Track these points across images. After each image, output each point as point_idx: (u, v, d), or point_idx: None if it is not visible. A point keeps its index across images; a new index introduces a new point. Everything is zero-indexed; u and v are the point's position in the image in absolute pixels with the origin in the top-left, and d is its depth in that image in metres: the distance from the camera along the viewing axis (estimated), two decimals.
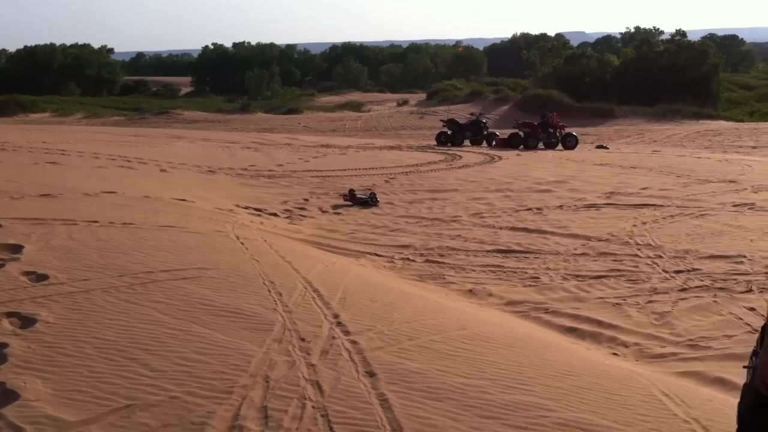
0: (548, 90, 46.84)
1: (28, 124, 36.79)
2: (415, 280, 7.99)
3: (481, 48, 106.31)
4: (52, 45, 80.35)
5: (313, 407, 3.57)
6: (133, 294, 5.21)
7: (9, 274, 5.50)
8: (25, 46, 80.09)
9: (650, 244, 9.34)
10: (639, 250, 9.09)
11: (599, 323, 6.53)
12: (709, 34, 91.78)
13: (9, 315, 4.57)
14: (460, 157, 21.17)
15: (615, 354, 5.79)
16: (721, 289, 7.41)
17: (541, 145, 26.62)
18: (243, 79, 76.71)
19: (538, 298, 7.38)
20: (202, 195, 12.09)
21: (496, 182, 15.47)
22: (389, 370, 4.09)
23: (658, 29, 74.88)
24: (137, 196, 10.41)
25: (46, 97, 56.00)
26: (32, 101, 50.41)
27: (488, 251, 9.32)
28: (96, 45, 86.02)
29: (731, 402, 4.67)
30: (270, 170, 16.96)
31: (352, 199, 12.89)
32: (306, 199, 13.22)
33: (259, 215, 11.32)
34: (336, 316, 5.08)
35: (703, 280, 7.70)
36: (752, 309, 6.80)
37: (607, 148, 26.64)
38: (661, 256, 8.72)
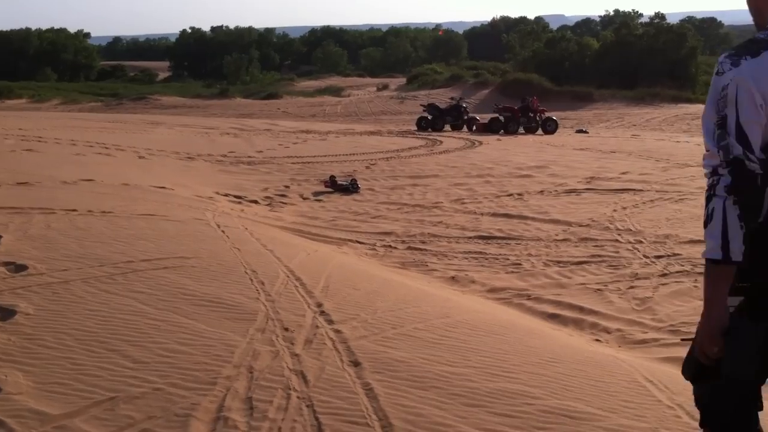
0: (528, 74, 46.87)
1: (3, 110, 36.37)
2: (397, 267, 7.99)
3: (460, 31, 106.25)
4: (27, 30, 79.43)
5: (298, 398, 3.55)
6: (113, 284, 5.16)
7: None
8: (0, 31, 79.08)
9: (630, 230, 9.38)
10: (619, 235, 9.14)
11: (581, 309, 6.56)
12: (688, 16, 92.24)
13: None
14: (441, 142, 21.16)
15: (597, 340, 5.82)
16: (701, 273, 7.44)
17: (521, 129, 26.67)
18: (221, 64, 76.16)
19: (520, 284, 7.40)
20: (182, 182, 12.01)
21: (477, 167, 15.47)
22: (374, 360, 4.08)
23: (638, 12, 75.04)
24: (116, 183, 10.33)
25: (22, 83, 55.42)
26: (8, 87, 49.89)
27: (470, 238, 9.33)
28: (72, 29, 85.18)
29: None
30: (250, 157, 16.88)
31: (333, 185, 12.85)
32: (287, 186, 13.17)
33: (239, 203, 11.27)
34: (319, 305, 5.06)
35: (683, 265, 7.75)
36: None
37: (587, 133, 26.74)
38: (641, 241, 8.76)
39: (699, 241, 8.65)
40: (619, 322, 6.23)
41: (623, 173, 14.04)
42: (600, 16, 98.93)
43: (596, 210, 10.63)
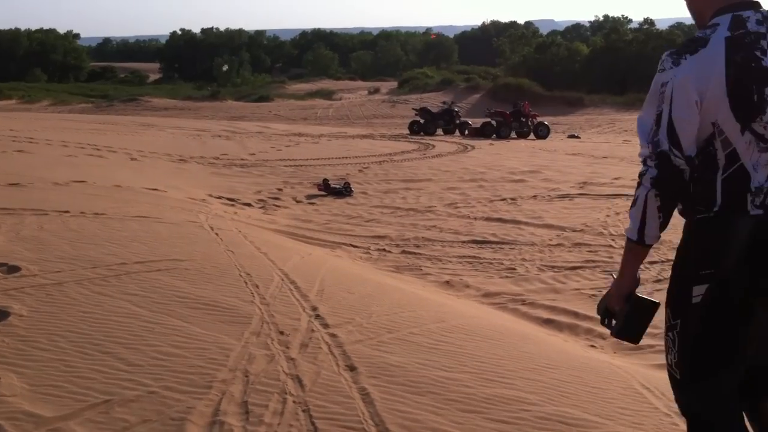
0: (519, 78, 47.00)
1: None
2: (391, 271, 7.97)
3: (451, 35, 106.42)
4: (16, 30, 79.19)
5: (294, 402, 3.53)
6: (107, 286, 5.12)
7: None
8: None
9: (624, 235, 9.39)
10: (613, 240, 9.15)
11: (576, 315, 6.55)
12: (678, 22, 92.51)
13: None
14: (433, 146, 21.19)
15: (593, 346, 5.81)
16: None
17: (513, 134, 26.72)
18: (212, 66, 76.08)
19: (514, 289, 7.39)
20: (174, 184, 11.97)
21: (469, 172, 15.48)
22: (370, 364, 4.06)
23: (627, 18, 75.37)
24: (108, 185, 10.28)
25: (12, 84, 55.24)
26: None
27: (464, 242, 9.33)
28: (62, 30, 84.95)
29: None
30: (242, 159, 16.85)
31: (326, 188, 12.84)
32: (280, 189, 13.14)
33: (232, 205, 11.24)
34: (314, 308, 5.04)
35: None
36: None
37: (579, 138, 26.82)
38: None
39: None
40: None
41: (616, 178, 14.08)
42: (590, 22, 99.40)
43: (589, 215, 10.64)
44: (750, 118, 2.38)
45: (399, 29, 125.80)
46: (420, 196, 12.70)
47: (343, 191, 12.73)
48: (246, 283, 5.51)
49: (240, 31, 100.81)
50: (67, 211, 7.60)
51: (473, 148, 21.04)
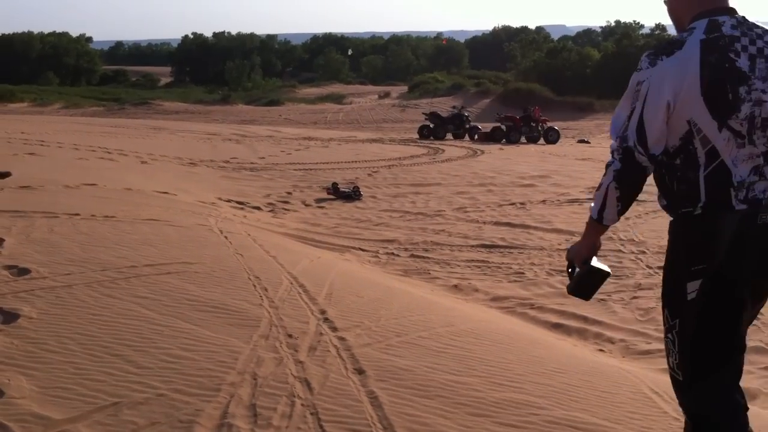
0: (529, 83, 46.97)
1: (6, 114, 36.42)
2: (400, 275, 7.97)
3: (462, 40, 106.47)
4: (29, 33, 79.64)
5: (302, 405, 3.53)
6: (116, 289, 5.14)
7: None
8: (3, 35, 79.26)
9: (633, 240, 9.37)
10: (622, 245, 9.12)
11: (585, 319, 6.54)
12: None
13: None
14: (443, 150, 21.18)
15: (601, 350, 5.80)
16: None
17: (523, 139, 26.70)
18: (223, 70, 76.31)
19: (523, 293, 7.38)
20: (184, 188, 12.00)
21: (479, 176, 15.47)
22: (378, 368, 4.05)
23: (639, 23, 75.18)
24: (118, 188, 10.32)
25: (24, 87, 55.56)
26: (10, 91, 49.98)
27: (473, 246, 9.32)
28: (74, 33, 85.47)
29: None
30: (252, 163, 16.89)
31: (336, 192, 12.84)
32: (289, 193, 13.16)
33: (242, 208, 11.26)
34: (323, 312, 5.04)
35: None
36: None
37: (589, 143, 26.78)
38: (644, 252, 8.75)
39: None
40: (622, 333, 6.21)
41: None
42: (601, 27, 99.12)
43: None
44: (726, 115, 2.49)
45: (410, 34, 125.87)
46: (429, 200, 12.69)
47: (352, 195, 12.74)
48: (255, 286, 5.51)
49: (251, 35, 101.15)
50: (77, 214, 7.62)
51: (483, 152, 21.02)
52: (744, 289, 2.57)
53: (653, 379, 4.52)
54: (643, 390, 4.22)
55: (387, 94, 55.59)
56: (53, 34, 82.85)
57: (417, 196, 13.10)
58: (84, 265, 5.65)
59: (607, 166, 2.62)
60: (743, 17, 2.61)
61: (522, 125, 26.85)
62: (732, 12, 2.60)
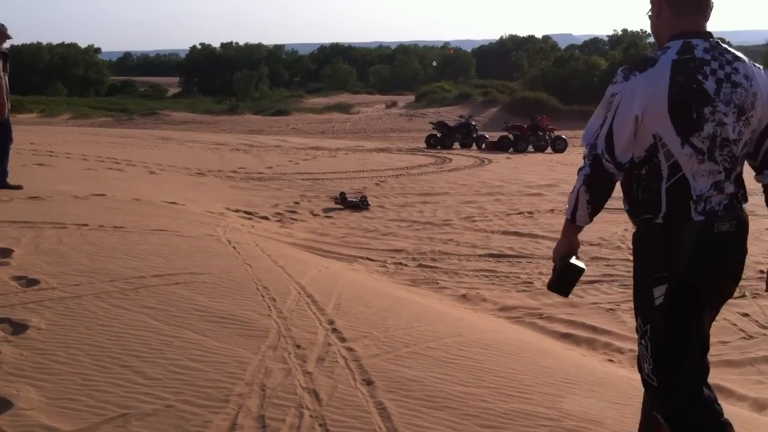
0: (536, 92, 46.97)
1: (15, 124, 36.49)
2: (408, 285, 7.96)
3: (469, 50, 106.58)
4: (38, 44, 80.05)
5: (310, 416, 3.52)
6: (125, 299, 5.14)
7: None
8: (12, 46, 79.65)
9: None
10: (630, 254, 9.08)
11: (594, 329, 6.52)
12: None
13: (0, 321, 4.50)
14: (450, 160, 21.19)
15: (611, 360, 5.78)
16: None
17: (530, 148, 26.68)
18: (231, 80, 76.52)
19: (531, 303, 7.36)
20: (192, 198, 12.03)
21: (486, 185, 15.46)
22: (386, 378, 4.04)
23: (646, 32, 75.09)
24: (127, 198, 10.34)
25: (33, 98, 55.79)
26: (19, 101, 50.02)
27: (481, 255, 9.30)
28: (83, 44, 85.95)
29: (730, 410, 4.65)
30: (260, 173, 16.92)
31: (343, 202, 12.85)
32: (297, 202, 13.18)
33: (250, 218, 11.27)
34: (331, 322, 5.03)
35: None
36: (746, 315, 6.81)
37: None
38: None
39: None
40: (632, 342, 6.17)
41: None
42: (608, 36, 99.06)
43: (606, 229, 10.57)
44: (689, 133, 2.67)
45: (417, 43, 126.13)
46: (437, 209, 12.69)
47: (360, 205, 12.74)
48: (263, 296, 5.51)
49: (259, 46, 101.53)
50: (86, 225, 7.64)
51: (490, 161, 21.02)
52: (705, 293, 2.77)
53: None
54: None
55: (394, 104, 55.66)
56: (62, 45, 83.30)
57: (425, 205, 13.10)
58: (93, 275, 5.66)
59: (579, 170, 2.81)
60: (717, 42, 2.78)
61: (529, 134, 26.84)
62: (707, 36, 2.77)
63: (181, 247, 7.12)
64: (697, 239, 2.69)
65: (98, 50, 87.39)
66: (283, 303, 5.38)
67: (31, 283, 5.36)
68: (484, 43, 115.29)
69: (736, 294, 7.50)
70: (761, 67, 2.86)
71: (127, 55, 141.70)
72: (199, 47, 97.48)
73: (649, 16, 2.92)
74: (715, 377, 5.45)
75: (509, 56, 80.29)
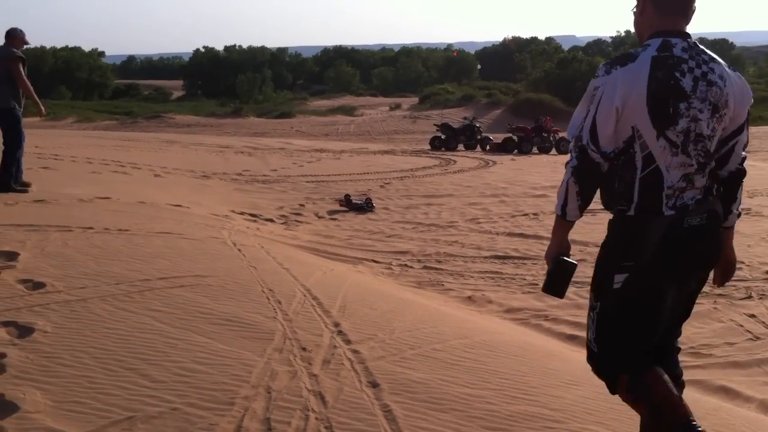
0: (540, 94, 46.91)
1: None
2: (413, 286, 7.95)
3: (472, 52, 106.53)
4: (42, 48, 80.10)
5: (316, 419, 3.52)
6: (130, 302, 5.14)
7: (5, 282, 5.43)
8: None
9: None
10: None
11: None
12: (700, 38, 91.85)
13: (6, 324, 4.51)
14: (455, 161, 21.17)
15: None
16: (720, 295, 7.39)
17: (535, 149, 26.65)
18: (235, 83, 76.58)
19: (537, 305, 7.35)
20: (197, 200, 12.04)
21: (491, 187, 15.45)
22: (392, 380, 4.04)
23: None
24: (132, 201, 10.35)
25: None
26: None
27: (486, 257, 9.29)
28: (87, 48, 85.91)
29: (737, 412, 4.65)
30: (264, 175, 16.92)
31: (348, 204, 12.85)
32: (302, 205, 13.18)
33: (254, 221, 11.27)
34: (336, 324, 5.03)
35: None
36: (752, 316, 6.79)
37: None
38: None
39: None
40: None
41: None
42: (611, 37, 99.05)
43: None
44: (665, 127, 2.80)
45: (420, 46, 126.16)
46: (441, 211, 12.68)
47: (365, 207, 12.74)
48: (268, 299, 5.51)
49: (262, 48, 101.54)
50: (91, 228, 7.65)
51: (495, 163, 21.01)
52: (666, 285, 2.90)
53: None
54: None
55: (398, 106, 55.61)
56: (66, 48, 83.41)
57: (429, 207, 13.09)
58: (98, 278, 5.66)
59: (567, 164, 2.90)
60: (695, 42, 2.91)
61: (534, 136, 26.80)
62: (685, 36, 2.90)
63: (186, 250, 7.12)
64: (666, 234, 2.82)
65: (102, 54, 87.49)
66: (288, 305, 5.37)
67: (37, 286, 5.36)
68: (487, 45, 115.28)
69: (742, 295, 7.51)
70: (735, 69, 2.98)
71: (131, 59, 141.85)
72: (203, 50, 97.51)
73: (634, 12, 3.03)
74: (721, 378, 5.46)
75: (512, 58, 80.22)
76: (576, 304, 7.31)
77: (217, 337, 4.55)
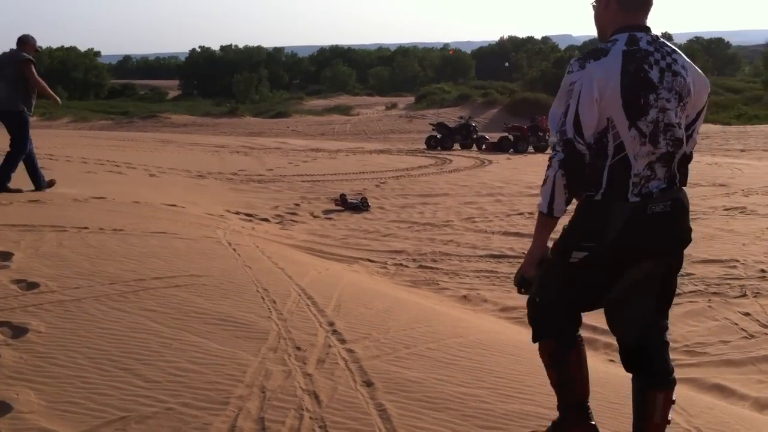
0: (536, 93, 46.94)
1: None
2: (408, 286, 7.95)
3: (468, 51, 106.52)
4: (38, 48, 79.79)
5: (310, 418, 3.52)
6: (125, 302, 5.13)
7: None
8: (11, 50, 79.55)
9: None
10: None
11: (594, 329, 6.48)
12: (696, 37, 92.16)
13: (0, 324, 4.50)
14: (451, 161, 21.18)
15: (612, 361, 5.75)
16: (715, 293, 7.41)
17: (530, 148, 26.67)
18: (231, 83, 76.53)
19: None
20: (192, 200, 12.02)
21: (487, 186, 15.46)
22: (387, 380, 4.04)
23: None
24: (127, 201, 10.33)
25: None
26: None
27: (481, 256, 9.29)
28: (82, 48, 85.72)
29: (731, 410, 4.65)
30: (260, 175, 16.91)
31: (344, 203, 12.85)
32: (297, 204, 13.17)
33: (250, 220, 11.26)
34: (331, 323, 5.02)
35: (696, 285, 7.69)
36: (747, 314, 6.80)
37: None
38: None
39: (712, 261, 8.60)
40: None
41: None
42: None
43: None
44: (636, 117, 2.90)
45: (416, 45, 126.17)
46: (437, 210, 12.68)
47: (360, 206, 12.73)
48: (263, 298, 5.50)
49: (259, 48, 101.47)
50: (86, 228, 7.63)
51: (490, 162, 21.01)
52: (623, 267, 3.02)
53: None
54: None
55: (394, 105, 55.63)
56: (61, 48, 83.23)
57: (425, 206, 13.09)
58: (92, 278, 5.65)
59: (551, 159, 2.95)
60: (657, 36, 3.03)
61: (529, 135, 26.83)
62: (647, 30, 3.03)
63: (181, 250, 7.11)
64: (629, 219, 2.93)
65: (98, 53, 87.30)
66: (283, 305, 5.37)
67: (31, 286, 5.35)
68: (483, 44, 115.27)
69: (737, 293, 7.52)
70: (691, 63, 3.12)
71: (127, 59, 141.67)
72: (199, 50, 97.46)
73: (594, 6, 3.13)
74: (716, 376, 5.46)
75: (509, 57, 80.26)
76: None
77: (212, 337, 4.55)
